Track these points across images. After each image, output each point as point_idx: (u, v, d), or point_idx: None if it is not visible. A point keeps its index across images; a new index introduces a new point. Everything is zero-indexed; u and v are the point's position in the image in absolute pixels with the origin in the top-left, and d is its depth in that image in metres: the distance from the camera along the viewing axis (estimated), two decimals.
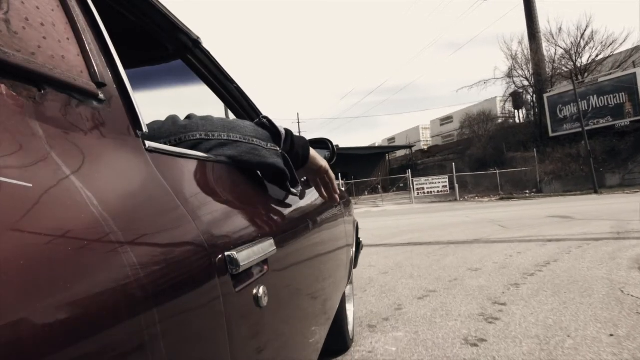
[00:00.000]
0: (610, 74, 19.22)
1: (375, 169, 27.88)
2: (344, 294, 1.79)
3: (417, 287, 2.98)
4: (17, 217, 0.28)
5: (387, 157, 30.86)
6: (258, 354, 0.62)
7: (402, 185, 22.80)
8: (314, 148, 1.01)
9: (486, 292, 2.73)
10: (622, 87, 17.55)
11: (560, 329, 1.97)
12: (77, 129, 0.41)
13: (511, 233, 5.60)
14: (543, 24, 27.50)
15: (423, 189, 18.30)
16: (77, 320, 0.28)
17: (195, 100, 1.38)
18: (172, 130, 0.73)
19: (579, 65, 21.15)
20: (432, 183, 18.49)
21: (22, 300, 0.25)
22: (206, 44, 1.00)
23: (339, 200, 1.16)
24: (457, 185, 17.71)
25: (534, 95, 22.71)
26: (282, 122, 0.97)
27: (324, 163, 1.01)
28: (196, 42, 0.99)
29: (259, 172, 0.85)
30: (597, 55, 20.95)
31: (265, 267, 0.65)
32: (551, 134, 20.08)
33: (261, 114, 1.08)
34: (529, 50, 22.35)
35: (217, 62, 1.06)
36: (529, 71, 22.74)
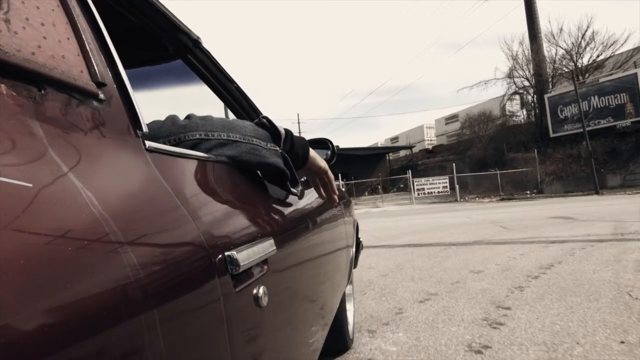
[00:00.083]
0: (611, 74, 19.22)
1: (375, 170, 27.88)
2: (344, 293, 1.79)
3: (418, 290, 2.93)
4: (17, 217, 0.28)
5: (387, 158, 30.85)
6: (258, 353, 0.62)
7: (402, 185, 22.80)
8: (314, 148, 1.01)
9: (489, 295, 2.67)
10: (623, 88, 17.54)
11: (568, 335, 1.90)
12: (77, 128, 0.41)
13: (513, 234, 5.57)
14: (544, 24, 27.50)
15: (423, 189, 18.30)
16: (77, 320, 0.28)
17: (195, 100, 1.38)
18: (171, 130, 0.73)
19: (579, 66, 21.14)
20: (433, 184, 18.49)
21: (22, 300, 0.25)
22: (206, 44, 1.00)
23: (337, 200, 1.16)
24: (457, 186, 17.70)
25: (535, 96, 22.69)
26: (282, 122, 0.97)
27: (323, 164, 1.01)
28: (196, 42, 0.99)
29: (259, 172, 0.85)
30: (598, 56, 20.96)
31: (265, 267, 0.65)
32: (552, 135, 20.06)
33: (261, 114, 1.08)
34: (530, 51, 22.35)
35: (217, 62, 1.06)
36: (529, 72, 22.73)
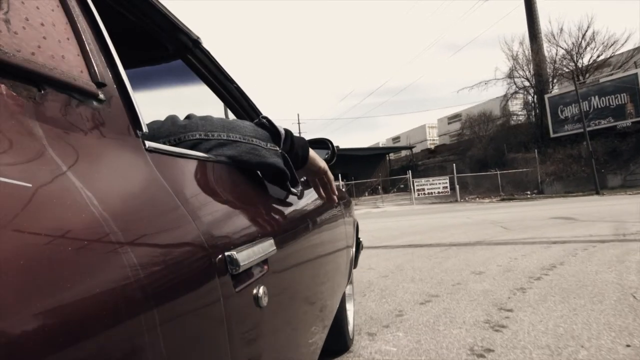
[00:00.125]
0: (612, 74, 19.21)
1: (375, 170, 27.88)
2: (344, 293, 1.79)
3: (418, 292, 2.89)
4: (17, 217, 0.28)
5: (387, 158, 30.84)
6: (258, 353, 0.62)
7: (402, 186, 22.80)
8: (313, 148, 1.01)
9: (491, 297, 2.63)
10: (624, 88, 17.53)
11: (572, 338, 1.86)
12: (77, 129, 0.41)
13: (514, 235, 5.55)
14: (544, 24, 27.51)
15: (424, 189, 18.29)
16: (77, 320, 0.28)
17: (195, 100, 1.38)
18: (171, 130, 0.73)
19: (580, 66, 21.14)
20: (433, 184, 18.48)
21: (22, 300, 0.25)
22: (206, 44, 1.00)
23: (337, 201, 1.16)
24: (457, 186, 17.70)
25: (535, 96, 22.69)
26: (282, 122, 0.97)
27: (323, 164, 1.01)
28: (196, 42, 0.99)
29: (259, 172, 0.85)
30: (598, 56, 20.96)
31: (265, 267, 0.65)
32: (552, 135, 20.06)
33: (261, 114, 1.08)
34: (530, 51, 22.34)
35: (217, 62, 1.06)
36: (529, 72, 22.73)
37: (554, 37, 22.15)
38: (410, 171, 19.67)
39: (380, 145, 37.09)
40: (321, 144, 1.46)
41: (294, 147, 0.89)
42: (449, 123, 30.86)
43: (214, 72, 1.09)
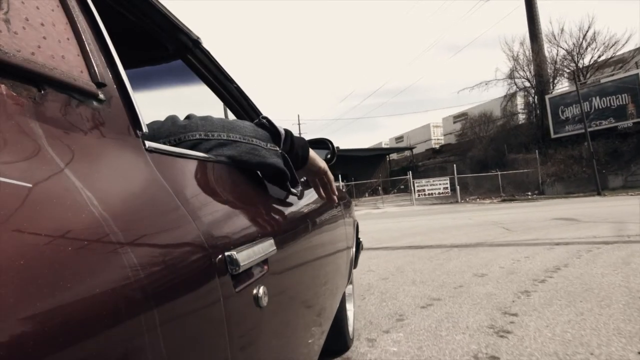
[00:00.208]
0: (613, 74, 19.19)
1: (375, 171, 27.88)
2: (344, 293, 1.79)
3: (419, 295, 2.84)
4: (17, 217, 0.28)
5: (387, 159, 30.82)
6: (258, 353, 0.62)
7: (402, 187, 22.79)
8: (313, 148, 1.01)
9: (495, 300, 2.57)
10: (625, 88, 17.50)
11: (581, 345, 1.80)
12: (77, 129, 0.41)
13: (516, 236, 5.50)
14: (545, 25, 27.47)
15: (424, 190, 18.28)
16: (77, 320, 0.28)
17: (195, 100, 1.38)
18: (171, 130, 0.73)
19: (580, 67, 21.12)
20: (433, 185, 18.46)
21: (22, 300, 0.25)
22: (206, 44, 1.00)
23: (337, 201, 1.16)
24: (458, 187, 17.69)
25: (536, 97, 22.67)
26: (283, 123, 0.97)
27: (323, 164, 1.01)
28: (196, 42, 0.99)
29: (258, 172, 0.85)
30: (599, 57, 20.93)
31: (265, 267, 0.65)
32: (553, 136, 20.04)
33: (261, 114, 1.08)
34: (531, 51, 22.33)
35: (217, 62, 1.07)
36: (530, 72, 22.71)
37: (555, 38, 22.14)
38: (410, 172, 19.66)
39: (383, 145, 36.98)
40: (321, 144, 1.46)
41: (294, 147, 0.89)
42: (454, 122, 30.45)
43: (214, 72, 1.09)
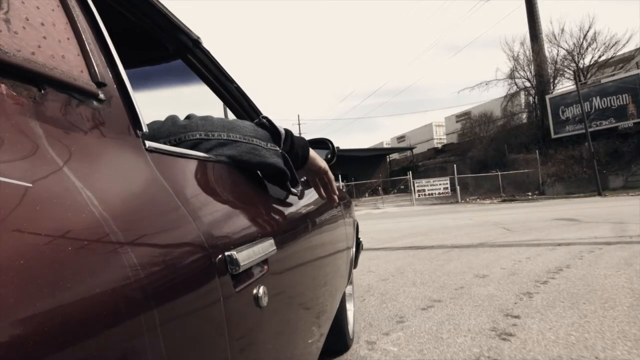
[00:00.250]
0: (614, 74, 19.17)
1: (375, 171, 27.88)
2: (344, 293, 1.78)
3: (420, 296, 2.80)
4: (17, 217, 0.28)
5: (387, 159, 30.80)
6: (258, 353, 0.62)
7: (402, 187, 22.79)
8: (314, 148, 1.01)
9: (496, 302, 2.54)
10: (626, 89, 17.48)
11: (586, 348, 1.76)
12: (77, 128, 0.41)
13: (517, 236, 5.47)
14: (545, 25, 27.39)
15: (424, 190, 18.27)
16: (77, 320, 0.28)
17: (195, 100, 1.38)
18: (171, 130, 0.73)
19: (581, 67, 21.11)
20: (433, 185, 18.46)
21: (22, 300, 0.25)
22: (206, 44, 1.00)
23: (337, 201, 1.16)
24: (458, 187, 17.68)
25: (536, 97, 22.66)
26: (283, 123, 0.97)
27: (323, 164, 1.01)
28: (196, 42, 0.99)
29: (259, 172, 0.85)
30: (599, 57, 20.92)
31: (265, 267, 0.65)
32: (553, 136, 20.03)
33: (261, 114, 1.08)
34: (531, 51, 22.31)
35: (217, 62, 1.07)
36: (530, 72, 22.69)
37: (555, 38, 22.12)
38: (410, 172, 19.65)
39: (385, 145, 36.91)
40: (321, 144, 1.46)
41: (294, 147, 0.89)
42: (457, 121, 30.20)
43: (214, 72, 1.09)
